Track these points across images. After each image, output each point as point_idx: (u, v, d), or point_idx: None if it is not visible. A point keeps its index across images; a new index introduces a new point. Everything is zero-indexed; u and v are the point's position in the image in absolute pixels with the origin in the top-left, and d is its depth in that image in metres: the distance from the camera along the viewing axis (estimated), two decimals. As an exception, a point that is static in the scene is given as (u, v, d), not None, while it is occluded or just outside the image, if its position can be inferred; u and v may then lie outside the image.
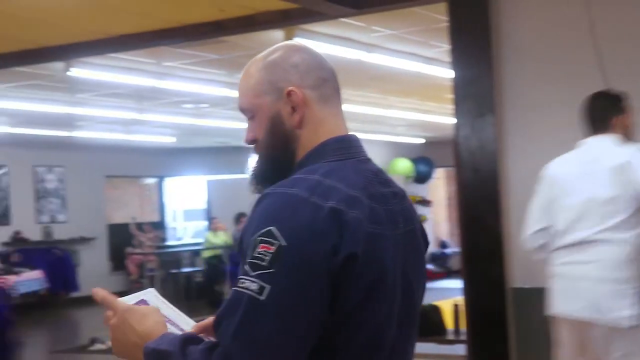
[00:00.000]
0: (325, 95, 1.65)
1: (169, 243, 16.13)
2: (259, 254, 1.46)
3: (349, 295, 1.50)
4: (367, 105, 11.15)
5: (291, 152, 1.63)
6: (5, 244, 13.63)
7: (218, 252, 13.59)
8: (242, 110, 1.68)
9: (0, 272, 12.24)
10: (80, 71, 7.27)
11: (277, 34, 6.25)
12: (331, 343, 1.51)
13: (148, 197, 17.11)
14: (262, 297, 1.43)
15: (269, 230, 1.46)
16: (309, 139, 1.63)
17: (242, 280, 1.46)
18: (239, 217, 12.75)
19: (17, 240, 13.78)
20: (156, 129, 12.90)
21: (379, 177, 1.64)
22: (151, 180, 17.14)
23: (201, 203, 17.11)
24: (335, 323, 1.50)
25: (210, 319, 1.63)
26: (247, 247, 1.49)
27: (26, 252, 13.58)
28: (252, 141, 1.68)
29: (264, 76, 1.64)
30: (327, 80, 1.66)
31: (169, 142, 14.79)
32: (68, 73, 7.27)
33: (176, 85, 8.65)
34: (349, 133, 1.67)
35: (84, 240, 14.65)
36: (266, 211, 1.51)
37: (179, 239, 17.28)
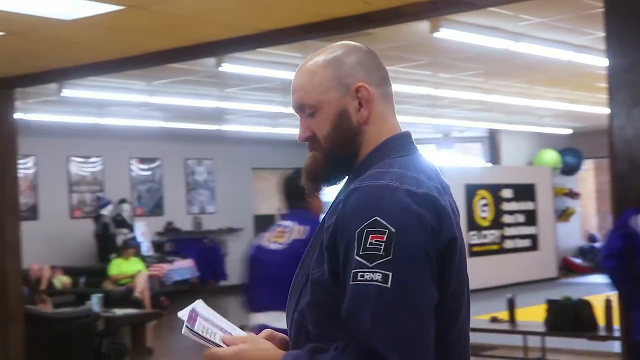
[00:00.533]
0: (387, 94, 1.69)
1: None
2: (372, 244, 1.48)
3: (450, 280, 1.54)
4: (512, 95, 10.93)
5: (356, 147, 1.65)
6: (159, 233, 14.24)
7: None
8: (302, 106, 1.68)
9: (155, 261, 12.82)
10: (231, 66, 7.50)
11: (423, 25, 6.23)
12: (437, 331, 1.53)
13: (293, 188, 17.40)
14: (388, 285, 1.46)
15: (375, 220, 1.49)
16: (372, 135, 1.65)
17: (362, 273, 1.48)
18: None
19: (170, 230, 14.37)
20: (301, 122, 13.11)
21: (437, 171, 1.68)
22: (295, 172, 17.43)
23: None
24: (439, 309, 1.52)
25: (246, 335, 1.67)
26: (350, 241, 1.50)
27: (178, 242, 14.15)
28: (307, 138, 1.68)
29: (331, 73, 1.65)
30: (386, 79, 1.71)
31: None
32: (219, 68, 7.51)
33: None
34: (400, 130, 1.70)
35: (231, 230, 15.09)
36: (363, 203, 1.52)
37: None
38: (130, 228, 13.11)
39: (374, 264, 1.47)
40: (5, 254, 7.41)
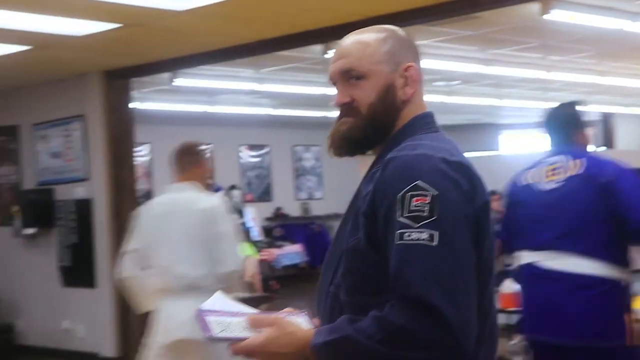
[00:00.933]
0: (422, 79, 1.81)
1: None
2: (416, 207, 1.56)
3: (484, 245, 1.63)
4: (628, 77, 10.58)
5: (393, 121, 1.75)
6: (268, 219, 14.48)
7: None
8: (349, 71, 1.75)
9: (265, 246, 13.05)
10: (338, 53, 7.52)
11: (533, 7, 6.11)
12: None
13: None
14: (435, 243, 1.53)
15: (416, 184, 1.57)
16: (408, 112, 1.76)
17: (408, 233, 1.55)
18: (490, 194, 12.62)
19: (279, 215, 14.59)
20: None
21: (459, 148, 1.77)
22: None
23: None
24: (477, 267, 1.60)
25: (272, 317, 1.67)
26: (391, 206, 1.58)
27: (287, 227, 14.36)
28: (345, 103, 1.76)
29: (387, 48, 1.76)
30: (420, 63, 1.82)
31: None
32: (325, 56, 7.57)
33: (428, 63, 8.71)
34: (427, 109, 1.80)
35: (338, 216, 15.14)
36: (402, 170, 1.61)
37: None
38: (240, 214, 13.36)
39: (420, 223, 1.54)
40: (124, 237, 7.69)
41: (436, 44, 7.76)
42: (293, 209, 14.83)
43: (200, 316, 1.66)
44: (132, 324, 7.63)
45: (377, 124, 1.74)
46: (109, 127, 7.67)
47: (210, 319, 1.65)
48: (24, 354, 8.37)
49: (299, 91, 10.35)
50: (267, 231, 14.07)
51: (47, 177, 8.32)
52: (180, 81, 8.77)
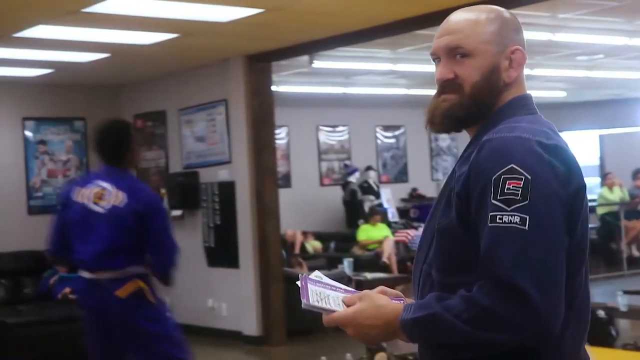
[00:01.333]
0: (525, 60, 1.80)
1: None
2: (509, 190, 1.56)
3: (577, 229, 1.61)
4: None
5: (494, 101, 1.73)
6: (404, 200, 14.46)
7: (613, 208, 13.09)
8: (456, 48, 1.74)
9: (401, 227, 13.06)
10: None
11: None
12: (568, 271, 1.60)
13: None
14: (526, 227, 1.54)
15: (511, 167, 1.57)
16: (508, 94, 1.75)
17: (500, 216, 1.56)
18: (636, 172, 12.15)
19: (414, 196, 14.54)
20: (547, 84, 12.73)
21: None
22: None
23: (593, 158, 16.55)
24: (568, 257, 1.60)
25: (380, 288, 1.74)
26: (485, 188, 1.58)
27: (422, 208, 14.28)
28: (449, 80, 1.74)
29: (495, 28, 1.76)
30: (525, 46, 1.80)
31: (559, 97, 14.51)
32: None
33: (571, 37, 8.44)
34: (527, 92, 1.79)
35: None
36: (497, 153, 1.60)
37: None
38: (377, 195, 13.42)
39: (513, 207, 1.55)
40: (265, 218, 7.89)
41: (579, 17, 7.50)
42: (429, 190, 14.74)
43: (303, 282, 1.73)
44: (273, 304, 7.83)
45: (479, 104, 1.74)
46: (250, 110, 7.85)
47: (312, 288, 1.72)
48: (173, 330, 8.71)
49: (434, 70, 10.23)
50: (402, 212, 14.06)
51: (192, 160, 8.62)
52: (318, 63, 8.86)
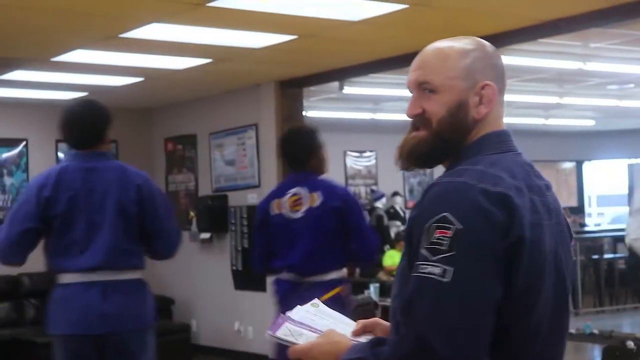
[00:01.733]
0: (502, 101, 1.75)
1: (588, 229, 15.78)
2: (437, 239, 1.52)
3: (517, 279, 1.55)
4: None
5: (459, 140, 1.69)
6: (430, 226, 14.40)
7: (643, 238, 12.96)
8: (424, 83, 1.70)
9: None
10: (508, 58, 7.44)
11: None
12: (502, 328, 1.55)
13: (565, 181, 16.90)
14: (446, 279, 1.50)
15: (444, 216, 1.53)
16: (479, 130, 1.70)
17: (424, 266, 1.52)
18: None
19: (441, 222, 14.48)
20: (576, 112, 12.70)
21: (534, 170, 1.70)
22: (568, 165, 16.90)
23: (621, 187, 16.44)
24: (505, 307, 1.54)
25: (373, 320, 1.76)
26: (421, 234, 1.55)
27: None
28: (416, 115, 1.71)
29: (467, 63, 1.69)
30: (505, 87, 1.75)
31: (588, 125, 14.47)
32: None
33: (602, 67, 8.44)
34: (504, 128, 1.73)
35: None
36: (437, 198, 1.57)
37: (597, 224, 16.81)
38: (403, 220, 13.40)
39: (436, 257, 1.52)
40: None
41: (611, 47, 7.51)
42: (455, 216, 14.68)
43: (280, 320, 1.79)
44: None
45: (444, 140, 1.69)
46: (280, 135, 7.89)
47: (288, 325, 1.78)
48: (199, 353, 8.75)
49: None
50: (429, 238, 13.98)
51: (221, 184, 8.68)
52: (348, 89, 8.92)
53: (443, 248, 1.52)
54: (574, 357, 7.89)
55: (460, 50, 1.71)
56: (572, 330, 6.42)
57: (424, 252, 1.54)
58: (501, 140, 1.71)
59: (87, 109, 3.83)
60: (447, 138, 1.69)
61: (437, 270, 1.51)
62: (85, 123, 3.77)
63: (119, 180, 3.73)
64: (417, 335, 1.52)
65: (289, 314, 1.82)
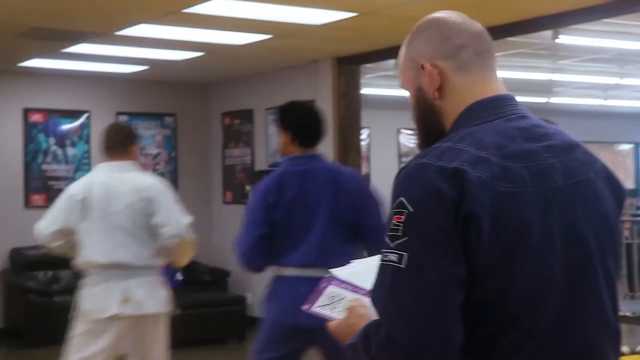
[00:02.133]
0: (464, 63, 1.65)
1: (644, 211, 15.55)
2: (394, 225, 1.51)
3: (478, 254, 1.48)
4: None
5: (437, 124, 1.67)
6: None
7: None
8: (402, 85, 1.74)
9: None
10: (569, 38, 7.37)
11: None
12: (486, 304, 1.51)
13: (622, 163, 16.66)
14: (402, 265, 1.48)
15: (400, 201, 1.52)
16: (452, 108, 1.65)
17: (385, 254, 1.52)
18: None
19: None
20: (636, 94, 12.50)
21: (527, 133, 1.60)
22: (626, 147, 16.64)
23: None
24: (478, 283, 1.49)
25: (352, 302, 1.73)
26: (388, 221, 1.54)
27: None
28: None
29: (407, 53, 1.70)
30: (464, 47, 1.66)
31: (648, 106, 14.22)
32: (556, 40, 7.42)
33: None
34: (502, 93, 1.65)
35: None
36: (398, 184, 1.56)
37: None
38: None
39: (393, 244, 1.51)
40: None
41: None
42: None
43: (324, 283, 1.79)
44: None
45: (422, 132, 1.72)
46: (337, 111, 7.97)
47: (327, 290, 1.78)
48: (254, 325, 8.88)
49: (523, 77, 10.19)
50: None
51: (277, 158, 8.77)
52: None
53: (399, 234, 1.51)
54: (628, 340, 7.85)
55: (404, 42, 1.72)
56: (627, 313, 6.40)
57: (386, 239, 1.54)
58: (487, 108, 1.63)
59: (313, 111, 4.15)
60: (422, 129, 1.72)
61: (394, 257, 1.50)
62: (316, 123, 4.07)
63: (331, 183, 3.96)
64: (379, 323, 1.53)
65: (334, 271, 1.82)
